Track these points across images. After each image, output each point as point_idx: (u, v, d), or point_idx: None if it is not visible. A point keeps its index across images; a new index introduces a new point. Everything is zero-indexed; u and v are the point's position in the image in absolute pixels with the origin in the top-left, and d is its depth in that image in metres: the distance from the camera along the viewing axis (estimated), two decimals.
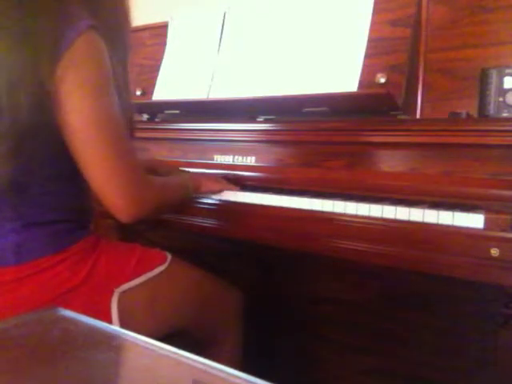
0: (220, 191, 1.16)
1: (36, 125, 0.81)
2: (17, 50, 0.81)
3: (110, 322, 0.88)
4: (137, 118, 1.54)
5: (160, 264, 0.99)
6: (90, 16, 0.84)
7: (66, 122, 0.82)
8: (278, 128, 1.22)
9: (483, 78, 1.01)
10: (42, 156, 0.85)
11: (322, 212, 0.99)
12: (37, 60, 0.79)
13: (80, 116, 0.81)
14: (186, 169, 1.29)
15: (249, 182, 1.22)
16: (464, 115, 1.00)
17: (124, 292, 0.92)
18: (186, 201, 1.13)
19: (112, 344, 0.61)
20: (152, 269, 0.97)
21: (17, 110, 0.79)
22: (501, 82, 0.98)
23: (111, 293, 0.90)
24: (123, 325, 0.89)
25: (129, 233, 1.37)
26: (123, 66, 0.95)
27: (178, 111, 1.44)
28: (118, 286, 0.92)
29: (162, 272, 0.98)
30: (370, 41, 1.13)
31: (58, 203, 0.90)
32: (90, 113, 0.82)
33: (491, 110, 0.99)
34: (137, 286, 0.94)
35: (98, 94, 0.83)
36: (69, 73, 0.80)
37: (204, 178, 1.17)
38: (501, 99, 0.98)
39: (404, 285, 1.26)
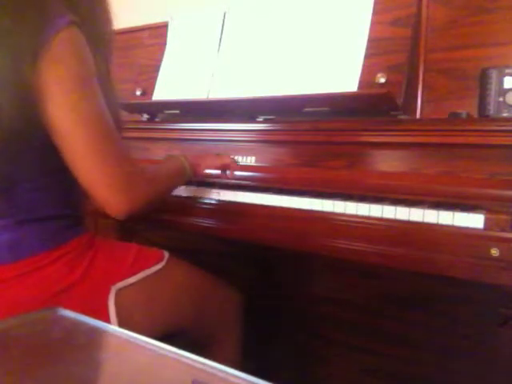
0: (223, 165, 1.16)
1: (21, 124, 0.80)
2: None
3: (107, 319, 0.88)
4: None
5: (157, 262, 0.99)
6: (71, 12, 0.83)
7: (51, 119, 0.81)
8: (278, 128, 1.22)
9: (483, 78, 1.01)
10: (30, 153, 0.85)
11: (322, 212, 0.99)
12: (18, 58, 0.78)
13: (63, 112, 0.80)
14: None
15: (249, 182, 1.22)
16: (464, 115, 1.00)
17: (121, 289, 0.92)
18: (185, 183, 1.11)
19: (112, 344, 0.61)
20: (149, 267, 0.97)
21: (0, 111, 0.78)
22: (501, 82, 0.98)
23: (108, 290, 0.90)
24: (121, 322, 0.89)
25: (127, 232, 1.37)
26: (106, 64, 0.94)
27: (178, 111, 1.44)
28: (114, 283, 0.91)
29: (159, 270, 0.98)
30: (370, 41, 1.13)
31: (50, 199, 0.89)
32: (73, 108, 0.80)
33: (491, 110, 0.99)
34: (134, 284, 0.94)
35: (80, 89, 0.82)
36: (50, 69, 0.79)
37: (202, 156, 1.17)
38: (501, 99, 0.98)
39: (404, 285, 1.26)
